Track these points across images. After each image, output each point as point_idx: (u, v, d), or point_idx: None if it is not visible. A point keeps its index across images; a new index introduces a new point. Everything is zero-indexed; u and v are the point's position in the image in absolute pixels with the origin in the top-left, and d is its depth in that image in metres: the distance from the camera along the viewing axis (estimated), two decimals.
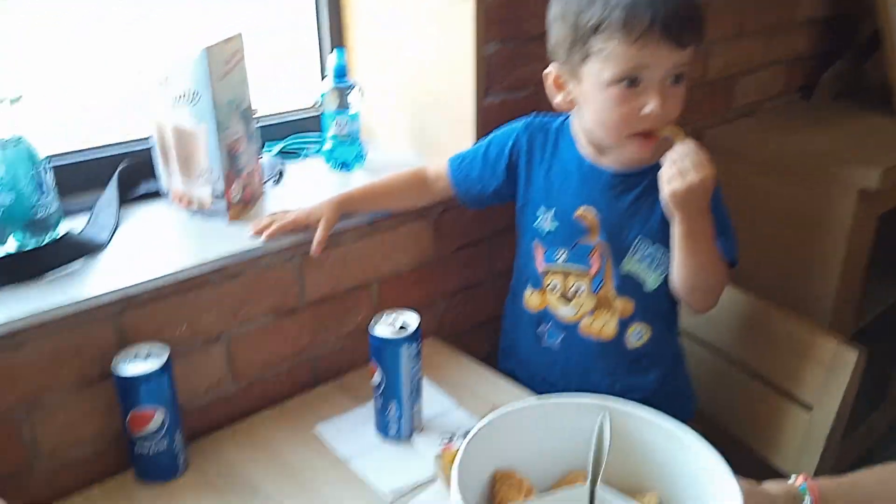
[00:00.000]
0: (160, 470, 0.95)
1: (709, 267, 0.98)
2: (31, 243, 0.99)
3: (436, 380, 1.13)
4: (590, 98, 0.99)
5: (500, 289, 1.37)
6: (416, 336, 0.98)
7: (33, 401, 0.91)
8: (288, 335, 1.13)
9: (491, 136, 1.17)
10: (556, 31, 1.00)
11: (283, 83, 1.60)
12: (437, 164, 1.19)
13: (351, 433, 1.03)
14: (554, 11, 1.01)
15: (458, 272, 1.33)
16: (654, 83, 0.95)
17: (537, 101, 1.19)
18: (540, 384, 1.12)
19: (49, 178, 1.01)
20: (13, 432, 0.91)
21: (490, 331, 1.39)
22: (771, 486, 0.83)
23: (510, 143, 1.12)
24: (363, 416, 1.06)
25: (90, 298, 0.92)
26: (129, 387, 0.91)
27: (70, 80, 1.49)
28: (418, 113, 1.35)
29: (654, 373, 1.10)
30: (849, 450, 1.74)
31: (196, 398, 1.04)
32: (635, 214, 1.04)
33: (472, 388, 1.13)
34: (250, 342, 1.09)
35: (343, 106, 1.29)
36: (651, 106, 0.94)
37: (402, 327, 0.98)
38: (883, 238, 1.56)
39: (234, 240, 1.07)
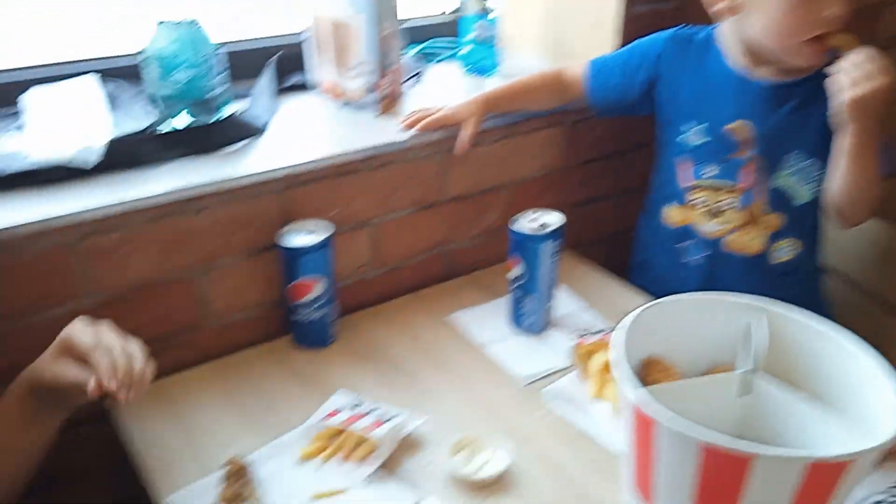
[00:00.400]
0: (314, 337, 1.04)
1: (871, 179, 0.98)
2: (201, 121, 1.06)
3: (566, 284, 1.17)
4: (762, 3, 0.97)
5: (623, 206, 1.39)
6: (558, 235, 1.02)
7: (208, 263, 1.00)
8: (427, 227, 1.18)
9: (633, 45, 1.17)
10: None
11: None
12: (576, 67, 1.20)
13: (484, 323, 1.09)
14: None
15: (584, 184, 1.35)
16: None
17: (685, 14, 1.18)
18: None
19: (219, 62, 1.07)
20: (190, 290, 1.00)
21: (610, 246, 1.42)
22: None
23: (654, 55, 1.12)
24: (495, 309, 1.12)
25: (260, 173, 0.99)
26: (294, 257, 0.98)
27: None
28: (557, 20, 1.35)
29: (796, 289, 1.10)
30: None
31: (344, 278, 1.12)
32: (791, 127, 1.04)
33: (602, 293, 1.17)
34: (393, 231, 1.15)
35: (484, 10, 1.31)
36: (833, 8, 0.94)
37: (541, 225, 1.02)
38: None
39: (383, 131, 1.12)
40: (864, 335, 1.19)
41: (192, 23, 1.04)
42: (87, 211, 0.90)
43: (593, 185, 1.36)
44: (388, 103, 1.19)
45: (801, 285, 1.12)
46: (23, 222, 0.87)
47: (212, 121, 1.07)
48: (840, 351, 0.74)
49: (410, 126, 1.12)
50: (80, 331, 0.74)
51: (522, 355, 1.03)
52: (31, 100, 1.06)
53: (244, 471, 0.83)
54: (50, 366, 0.73)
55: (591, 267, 1.25)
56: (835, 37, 0.96)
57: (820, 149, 1.01)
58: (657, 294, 1.15)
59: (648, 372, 0.79)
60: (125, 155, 0.98)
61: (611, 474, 0.83)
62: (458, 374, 1.00)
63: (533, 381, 0.98)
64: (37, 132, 1.00)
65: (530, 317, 1.06)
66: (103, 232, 0.91)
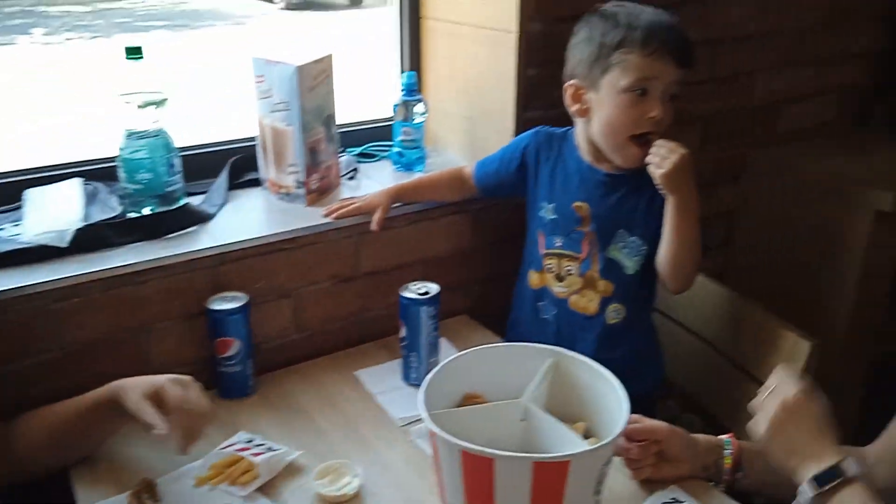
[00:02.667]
0: (235, 388, 1.25)
1: (695, 242, 1.19)
2: (159, 210, 1.32)
3: (458, 345, 1.36)
4: (605, 104, 1.21)
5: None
6: (435, 300, 1.23)
7: (150, 326, 1.23)
8: (344, 299, 1.40)
9: (510, 142, 1.42)
10: (581, 50, 1.23)
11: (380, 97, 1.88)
12: (471, 165, 1.45)
13: (382, 378, 1.30)
14: (579, 37, 1.25)
15: (492, 262, 1.56)
16: (658, 94, 1.18)
17: (567, 119, 1.40)
18: None
19: (178, 163, 1.33)
20: (134, 348, 1.23)
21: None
22: (699, 436, 1.00)
23: (522, 147, 1.37)
24: (395, 367, 1.31)
25: (195, 251, 1.24)
26: (218, 319, 1.21)
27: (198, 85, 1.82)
28: (473, 124, 1.59)
29: (629, 346, 1.30)
30: None
31: (268, 340, 1.33)
32: (620, 209, 1.26)
33: None
34: (313, 301, 1.37)
35: (409, 117, 1.56)
36: (656, 111, 1.18)
37: (424, 293, 1.23)
38: None
39: (308, 218, 1.36)
40: (705, 381, 1.37)
41: (159, 131, 1.31)
42: (53, 280, 1.14)
43: (499, 263, 1.56)
44: (317, 196, 1.44)
45: (632, 342, 1.31)
46: (2, 289, 1.12)
47: (166, 210, 1.33)
48: (607, 386, 0.91)
49: (329, 214, 1.35)
50: (171, 389, 0.99)
51: (404, 402, 1.21)
52: (28, 197, 1.34)
53: (152, 487, 1.03)
54: (136, 402, 0.98)
55: (485, 331, 1.45)
56: (655, 136, 1.18)
57: (642, 229, 1.24)
58: None
59: (465, 403, 0.97)
60: (92, 238, 1.23)
61: None
62: (348, 418, 1.19)
63: (407, 424, 1.16)
64: (29, 222, 1.28)
65: (415, 371, 1.25)
66: (65, 298, 1.15)
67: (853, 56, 1.93)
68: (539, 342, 1.31)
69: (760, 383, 1.23)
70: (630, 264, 1.27)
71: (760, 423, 0.87)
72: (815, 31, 1.83)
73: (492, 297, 1.58)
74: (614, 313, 1.29)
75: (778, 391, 0.87)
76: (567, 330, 1.32)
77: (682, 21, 1.56)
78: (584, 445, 0.83)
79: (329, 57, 1.43)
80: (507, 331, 1.45)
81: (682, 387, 1.43)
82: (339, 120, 1.65)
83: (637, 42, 1.16)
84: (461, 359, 0.96)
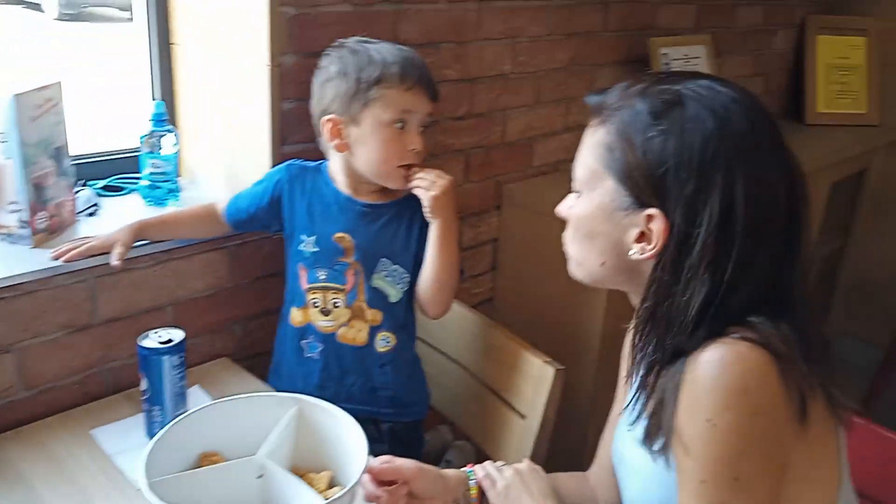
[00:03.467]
0: None
1: (455, 267, 1.25)
2: None
3: (214, 393, 1.28)
4: (367, 138, 1.22)
5: None
6: (179, 349, 1.14)
7: None
8: (80, 350, 1.26)
9: (263, 176, 1.37)
10: (336, 86, 1.22)
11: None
12: (223, 200, 1.38)
13: (123, 435, 1.17)
14: (330, 72, 1.24)
15: (256, 300, 1.49)
16: (415, 127, 1.24)
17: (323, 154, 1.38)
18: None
19: None
20: None
21: None
22: (448, 470, 1.02)
23: (273, 181, 1.34)
24: (139, 422, 1.20)
25: None
26: None
27: None
28: (231, 157, 1.52)
29: (398, 374, 1.31)
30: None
31: None
32: (381, 238, 1.28)
33: None
34: (42, 354, 1.22)
35: (157, 148, 1.46)
36: (416, 144, 1.23)
37: (167, 341, 1.14)
38: None
39: (32, 262, 1.21)
40: (466, 408, 1.41)
41: None
42: None
43: (266, 300, 1.50)
44: (45, 236, 1.28)
45: (401, 370, 1.32)
46: None
47: None
48: (346, 430, 0.89)
49: (59, 256, 1.21)
50: None
51: None
52: None
53: None
54: None
55: (248, 376, 1.38)
56: (417, 167, 1.24)
57: (403, 258, 1.28)
58: (288, 390, 1.30)
59: (203, 463, 0.90)
60: None
61: None
62: (78, 485, 1.07)
63: None
64: None
65: (160, 426, 1.14)
66: None
67: None
68: (305, 383, 1.29)
69: (514, 409, 1.31)
70: (393, 292, 1.29)
71: (497, 485, 0.98)
72: (561, 74, 1.98)
73: (258, 337, 1.51)
74: (384, 341, 1.30)
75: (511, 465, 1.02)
76: (335, 365, 1.30)
77: (441, 59, 1.66)
78: (317, 501, 0.80)
79: (58, 84, 1.30)
80: (270, 376, 1.39)
81: (446, 414, 1.46)
82: (86, 149, 1.52)
83: (395, 77, 1.20)
84: (193, 416, 0.90)
